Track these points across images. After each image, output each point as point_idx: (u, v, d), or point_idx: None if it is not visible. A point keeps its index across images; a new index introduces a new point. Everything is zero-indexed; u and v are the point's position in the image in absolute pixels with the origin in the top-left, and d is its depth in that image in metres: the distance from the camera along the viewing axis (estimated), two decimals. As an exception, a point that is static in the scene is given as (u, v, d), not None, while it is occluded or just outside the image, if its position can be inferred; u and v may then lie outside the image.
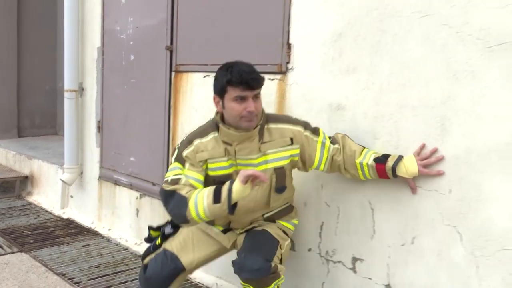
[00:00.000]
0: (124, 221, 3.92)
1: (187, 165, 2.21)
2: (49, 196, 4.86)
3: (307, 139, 2.25)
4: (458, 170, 2.03)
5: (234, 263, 2.22)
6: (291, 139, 2.24)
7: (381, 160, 2.16)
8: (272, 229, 2.34)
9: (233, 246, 2.44)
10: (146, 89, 3.62)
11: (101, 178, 4.15)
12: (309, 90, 2.57)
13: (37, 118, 6.99)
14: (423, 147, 2.12)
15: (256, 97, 2.11)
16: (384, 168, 2.15)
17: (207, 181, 2.24)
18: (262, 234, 2.31)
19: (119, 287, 3.03)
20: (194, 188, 2.17)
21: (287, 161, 2.25)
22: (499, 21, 1.89)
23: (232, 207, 2.07)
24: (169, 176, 2.22)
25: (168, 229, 2.49)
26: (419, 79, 2.13)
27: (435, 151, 2.09)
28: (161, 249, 2.40)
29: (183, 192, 2.13)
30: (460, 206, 2.02)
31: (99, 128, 4.14)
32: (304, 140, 2.24)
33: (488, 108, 1.93)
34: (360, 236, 2.39)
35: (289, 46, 2.64)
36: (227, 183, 2.07)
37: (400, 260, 2.24)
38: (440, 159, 2.07)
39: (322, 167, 2.28)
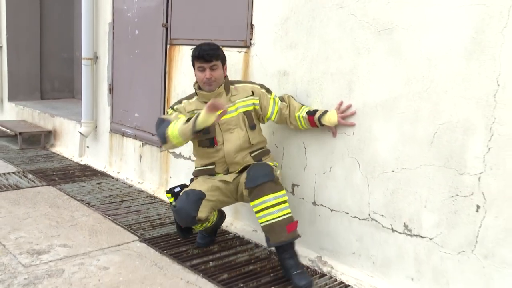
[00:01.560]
0: (130, 165, 4.84)
1: (176, 112, 3.05)
2: (69, 146, 5.81)
3: (263, 95, 3.10)
4: (358, 118, 2.88)
5: (246, 180, 2.85)
6: (252, 92, 3.08)
7: (311, 113, 3.01)
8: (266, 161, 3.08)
9: (236, 185, 3.04)
10: (147, 58, 4.48)
11: (112, 131, 5.07)
12: (265, 60, 3.41)
13: (57, 82, 7.91)
14: (341, 103, 2.95)
15: (212, 68, 2.90)
16: (313, 119, 2.99)
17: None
18: (259, 162, 3.02)
19: (124, 209, 3.97)
20: None
21: (251, 107, 3.07)
22: (384, 13, 2.71)
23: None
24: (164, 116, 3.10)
25: (176, 189, 3.11)
26: (336, 54, 2.97)
27: (350, 106, 2.92)
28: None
29: (170, 119, 2.94)
30: (359, 143, 2.89)
31: (110, 90, 5.03)
32: (261, 95, 3.09)
33: (376, 75, 2.77)
34: (297, 168, 3.27)
35: (252, 26, 3.48)
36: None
37: (322, 184, 3.12)
38: (353, 113, 2.91)
39: (273, 117, 3.12)
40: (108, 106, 5.10)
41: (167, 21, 4.21)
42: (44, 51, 7.63)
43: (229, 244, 3.39)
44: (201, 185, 3.03)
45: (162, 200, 4.27)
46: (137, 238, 3.40)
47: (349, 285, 2.87)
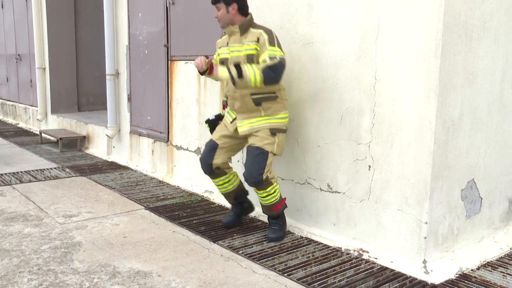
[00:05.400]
0: (145, 159, 5.99)
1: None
2: (99, 147, 7.04)
3: (263, 45, 3.44)
4: (296, 108, 3.89)
5: (243, 175, 3.56)
6: (258, 38, 3.48)
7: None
8: (261, 141, 3.51)
9: (236, 133, 3.70)
10: (154, 72, 5.64)
11: (131, 132, 6.24)
12: (235, 70, 4.47)
13: (91, 97, 9.22)
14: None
15: (217, 8, 3.57)
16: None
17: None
18: (255, 151, 3.50)
19: (137, 190, 5.10)
20: None
21: (253, 52, 3.48)
22: (308, 31, 3.73)
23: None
24: None
25: (211, 117, 3.96)
26: (286, 57, 3.99)
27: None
28: None
29: None
30: (297, 127, 3.89)
31: (129, 99, 6.21)
32: (262, 44, 3.45)
33: (304, 77, 3.78)
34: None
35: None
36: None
37: (275, 161, 4.13)
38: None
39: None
40: (128, 112, 6.27)
41: (167, 42, 5.34)
42: (80, 71, 8.97)
43: (212, 210, 4.44)
44: (215, 134, 3.82)
45: (168, 184, 5.38)
46: (143, 207, 4.51)
47: (293, 233, 3.87)
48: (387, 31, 3.18)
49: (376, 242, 3.37)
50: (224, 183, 3.90)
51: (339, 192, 3.61)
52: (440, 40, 2.91)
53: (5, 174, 5.74)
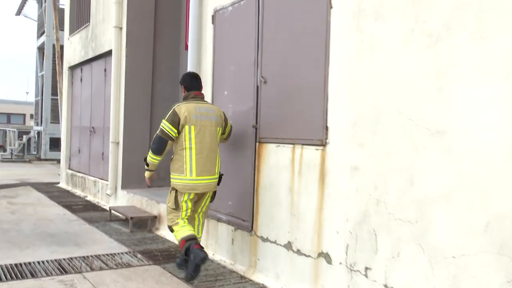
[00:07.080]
0: (223, 247, 5.44)
1: None
2: (171, 230, 6.58)
3: None
4: (420, 208, 3.26)
5: None
6: None
7: None
8: None
9: None
10: (240, 154, 5.21)
11: (208, 217, 5.75)
12: (339, 156, 3.94)
13: (162, 172, 8.90)
14: None
15: None
16: None
17: None
18: None
19: (218, 287, 4.51)
20: None
21: None
22: (437, 118, 3.17)
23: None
24: None
25: None
26: (397, 151, 3.43)
27: None
28: None
29: None
30: (422, 231, 3.24)
31: (208, 180, 5.78)
32: None
33: (431, 171, 3.18)
34: (369, 253, 3.64)
35: (327, 128, 4.07)
36: None
37: (392, 268, 3.45)
38: None
39: None
40: (206, 195, 5.82)
41: (256, 123, 4.94)
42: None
43: (309, 321, 3.75)
44: None
45: (251, 281, 4.76)
46: (228, 312, 3.90)
47: None
48: (555, 122, 2.57)
49: None
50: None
51: (484, 319, 2.87)
52: None
53: (76, 258, 5.35)
